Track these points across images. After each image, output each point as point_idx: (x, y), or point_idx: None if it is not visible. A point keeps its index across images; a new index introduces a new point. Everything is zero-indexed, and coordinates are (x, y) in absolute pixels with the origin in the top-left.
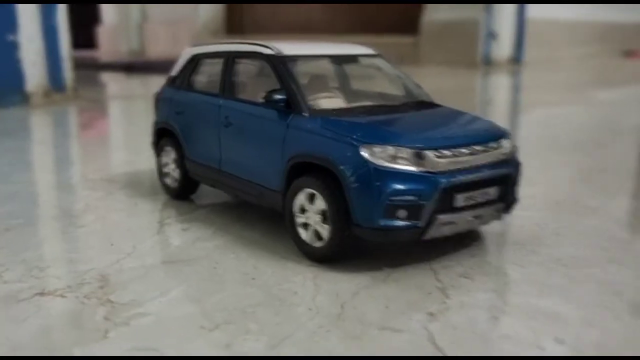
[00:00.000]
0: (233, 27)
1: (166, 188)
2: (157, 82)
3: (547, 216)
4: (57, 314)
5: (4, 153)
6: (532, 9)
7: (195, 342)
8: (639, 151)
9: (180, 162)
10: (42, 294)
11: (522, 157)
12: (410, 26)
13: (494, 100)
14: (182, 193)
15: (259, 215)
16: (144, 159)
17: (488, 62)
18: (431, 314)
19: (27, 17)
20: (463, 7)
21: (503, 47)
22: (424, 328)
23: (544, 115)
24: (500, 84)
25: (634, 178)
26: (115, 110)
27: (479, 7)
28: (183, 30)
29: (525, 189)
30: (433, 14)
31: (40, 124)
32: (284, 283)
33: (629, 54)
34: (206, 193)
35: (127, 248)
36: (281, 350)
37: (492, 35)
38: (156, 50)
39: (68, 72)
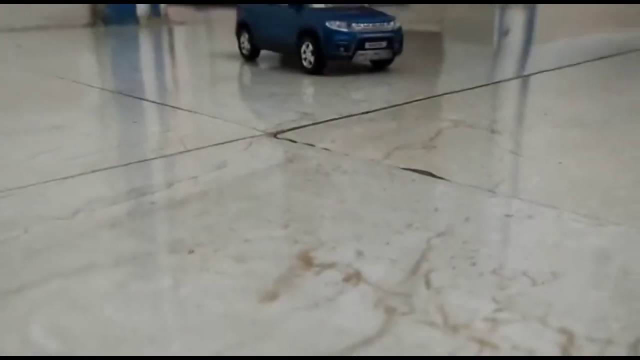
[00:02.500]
0: None
1: (243, 55)
2: (220, 13)
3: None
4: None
5: (141, 46)
6: None
7: (256, 90)
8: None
9: (250, 40)
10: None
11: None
12: None
13: (510, 30)
14: (251, 57)
15: (287, 62)
16: (228, 48)
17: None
18: (344, 87)
19: None
20: None
21: None
22: (338, 87)
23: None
24: (516, 18)
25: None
26: (199, 26)
27: None
28: None
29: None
30: None
31: (151, 34)
32: (296, 77)
33: None
34: (262, 60)
35: (233, 70)
36: (291, 88)
37: None
38: None
39: (162, 5)
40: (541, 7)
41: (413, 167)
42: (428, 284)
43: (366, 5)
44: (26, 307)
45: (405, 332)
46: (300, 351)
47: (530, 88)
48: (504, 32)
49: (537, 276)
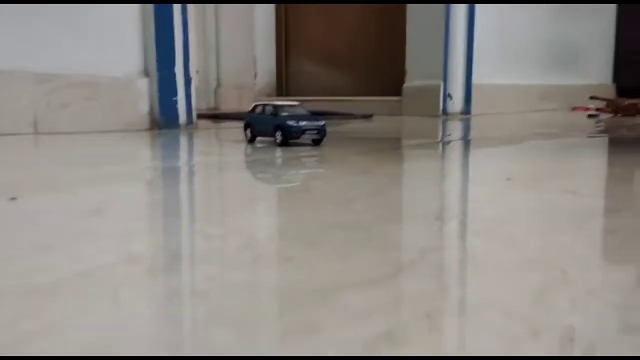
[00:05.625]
0: (281, 91)
1: (246, 140)
2: (231, 124)
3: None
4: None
5: (181, 141)
6: (479, 77)
7: (250, 152)
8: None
9: (251, 131)
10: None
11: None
12: (397, 90)
13: (452, 134)
14: (251, 141)
15: (269, 142)
16: (237, 137)
17: (446, 114)
18: (295, 150)
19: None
20: (429, 78)
21: (456, 104)
22: (293, 150)
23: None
24: (455, 125)
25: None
26: (218, 130)
27: (439, 77)
28: (246, 92)
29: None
30: (410, 83)
31: (187, 135)
32: (272, 148)
33: (573, 108)
34: (257, 142)
35: (239, 146)
36: (269, 150)
37: (448, 96)
38: (226, 106)
39: (194, 116)
40: (476, 118)
41: (314, 159)
42: None
43: (309, 113)
44: None
45: None
46: None
47: (429, 152)
48: (447, 134)
49: None
